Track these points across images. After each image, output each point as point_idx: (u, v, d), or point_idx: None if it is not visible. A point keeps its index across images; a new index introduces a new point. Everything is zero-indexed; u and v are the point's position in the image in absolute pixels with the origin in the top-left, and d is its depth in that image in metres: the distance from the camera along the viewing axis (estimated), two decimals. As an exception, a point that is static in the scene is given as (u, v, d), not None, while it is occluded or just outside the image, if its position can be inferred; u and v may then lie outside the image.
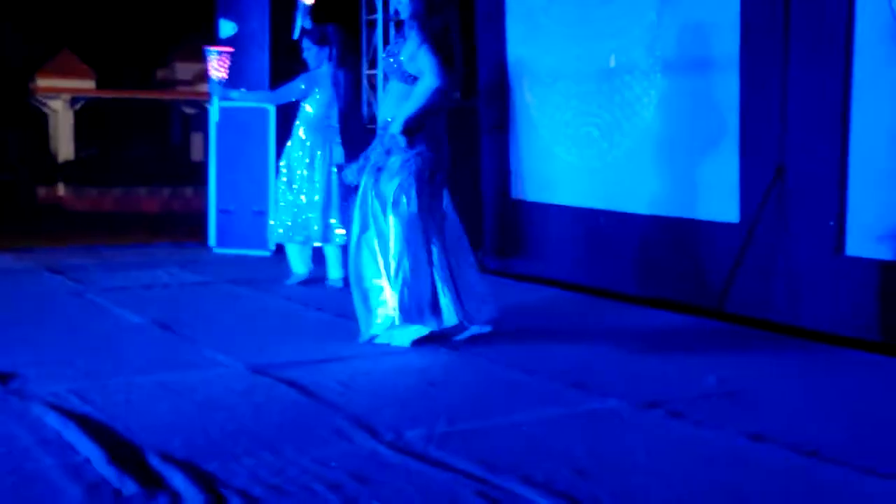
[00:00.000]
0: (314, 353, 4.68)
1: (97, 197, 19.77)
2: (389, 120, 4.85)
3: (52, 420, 3.54)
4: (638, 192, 6.76)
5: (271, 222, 6.83)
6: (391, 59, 4.90)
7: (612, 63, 6.88)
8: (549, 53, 7.40)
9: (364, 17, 9.08)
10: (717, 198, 6.20)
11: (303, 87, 6.65)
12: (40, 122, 21.16)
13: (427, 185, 4.88)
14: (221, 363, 4.47)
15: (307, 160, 6.62)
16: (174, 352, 4.73)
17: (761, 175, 5.88)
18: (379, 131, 4.98)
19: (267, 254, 8.16)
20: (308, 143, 6.64)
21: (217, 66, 6.45)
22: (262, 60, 8.34)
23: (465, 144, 8.54)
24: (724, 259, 6.10)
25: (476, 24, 8.13)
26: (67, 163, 20.24)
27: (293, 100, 6.78)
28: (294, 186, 6.62)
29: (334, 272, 6.68)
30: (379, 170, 4.87)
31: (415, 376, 4.33)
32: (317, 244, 6.71)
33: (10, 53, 19.97)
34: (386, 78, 5.25)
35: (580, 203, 7.20)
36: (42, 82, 19.72)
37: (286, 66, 8.62)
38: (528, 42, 7.62)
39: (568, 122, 7.27)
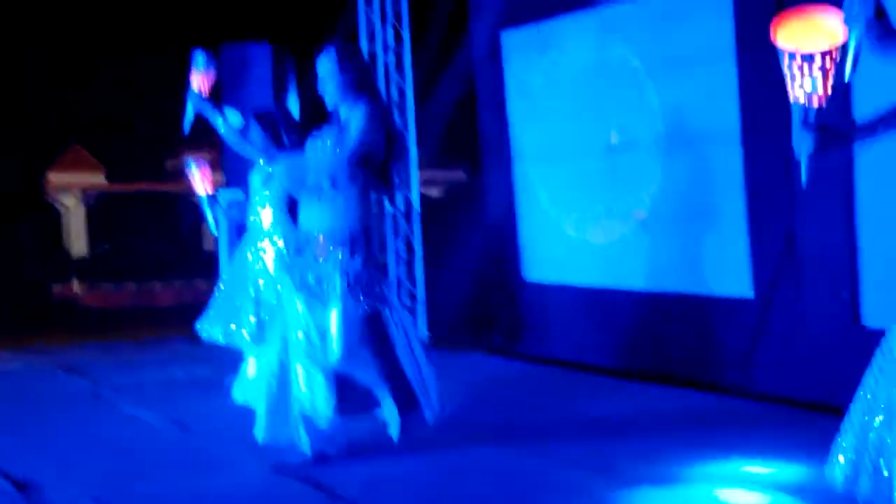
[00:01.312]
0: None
1: (112, 292, 19.84)
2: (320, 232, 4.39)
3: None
4: (647, 269, 6.76)
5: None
6: (321, 168, 4.39)
7: (614, 140, 6.94)
8: (550, 132, 7.47)
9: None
10: (728, 271, 6.18)
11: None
12: (53, 218, 21.32)
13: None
14: (241, 463, 4.44)
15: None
16: (193, 452, 4.71)
17: (771, 246, 5.87)
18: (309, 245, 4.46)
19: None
20: None
21: (201, 180, 6.13)
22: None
23: (471, 224, 8.61)
24: (742, 334, 6.05)
25: (477, 104, 8.24)
26: (81, 259, 20.32)
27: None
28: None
29: None
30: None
31: (434, 469, 4.27)
32: None
33: (20, 150, 20.21)
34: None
35: (590, 281, 7.20)
36: (53, 178, 19.91)
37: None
38: (529, 121, 7.70)
39: (573, 199, 7.31)
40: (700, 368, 6.28)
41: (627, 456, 4.36)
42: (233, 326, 5.97)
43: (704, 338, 6.35)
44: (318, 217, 4.40)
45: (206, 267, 16.73)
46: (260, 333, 5.88)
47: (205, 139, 7.00)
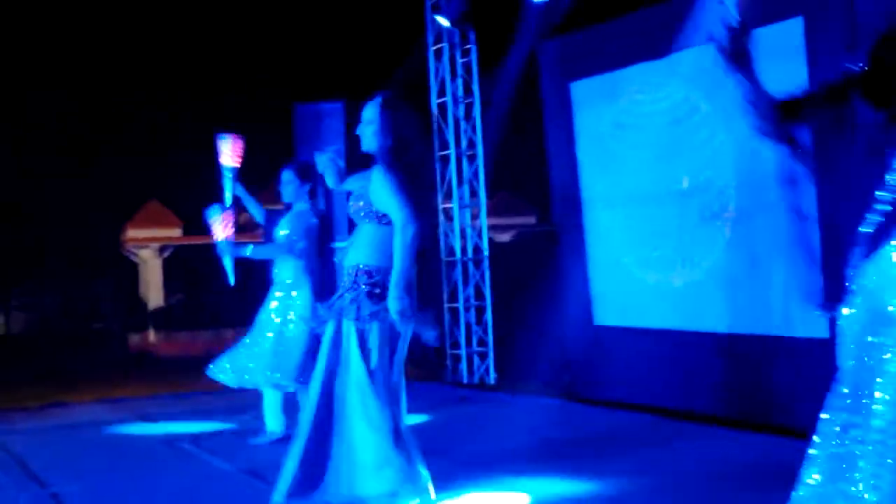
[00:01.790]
0: None
1: (186, 341, 20.16)
2: (361, 266, 4.35)
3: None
4: (721, 312, 6.68)
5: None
6: (360, 203, 4.40)
7: (686, 184, 6.89)
8: (621, 177, 7.45)
9: (438, 152, 9.27)
10: (805, 313, 6.08)
11: (297, 225, 6.23)
12: (130, 271, 21.79)
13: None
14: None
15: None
16: (264, 501, 4.71)
17: (846, 286, 5.76)
18: (347, 276, 4.41)
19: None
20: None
21: (221, 227, 6.17)
22: (341, 202, 8.49)
23: (544, 270, 8.59)
24: (819, 375, 5.94)
25: (547, 150, 8.26)
26: (157, 309, 20.73)
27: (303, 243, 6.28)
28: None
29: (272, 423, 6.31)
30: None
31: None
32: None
33: (101, 206, 20.73)
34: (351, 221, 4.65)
35: (665, 325, 7.13)
36: (132, 233, 20.39)
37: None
38: (599, 166, 7.68)
39: (645, 243, 7.26)
40: (775, 411, 6.19)
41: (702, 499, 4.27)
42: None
43: (780, 379, 6.25)
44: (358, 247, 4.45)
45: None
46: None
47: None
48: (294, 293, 6.20)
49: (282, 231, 6.26)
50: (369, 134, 4.39)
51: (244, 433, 6.49)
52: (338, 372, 4.30)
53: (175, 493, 5.02)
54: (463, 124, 9.09)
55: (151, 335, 20.53)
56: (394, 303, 4.20)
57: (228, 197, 6.34)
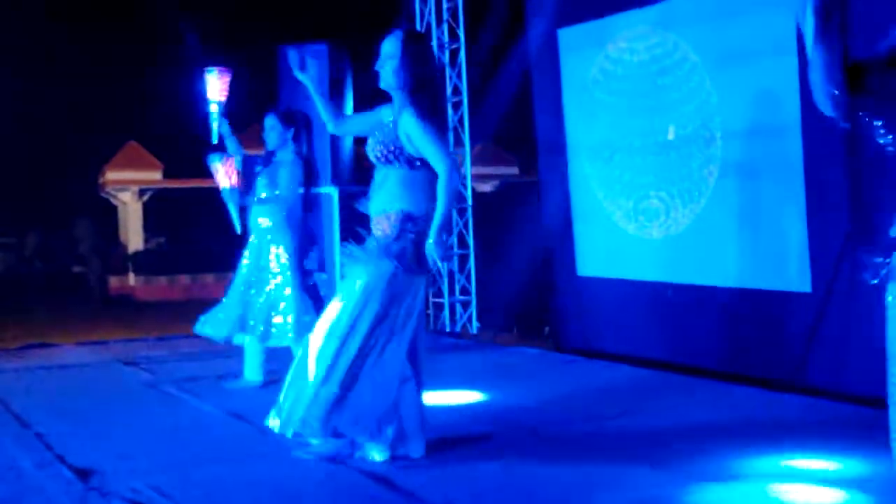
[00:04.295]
0: None
1: (167, 285, 20.10)
2: (404, 211, 4.25)
3: (133, 518, 3.58)
4: (705, 264, 6.71)
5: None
6: (389, 147, 4.26)
7: (671, 135, 6.88)
8: (606, 127, 7.43)
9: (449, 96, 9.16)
10: (787, 267, 6.13)
11: (287, 177, 6.14)
12: (110, 215, 21.63)
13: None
14: (293, 455, 4.46)
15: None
16: (250, 442, 4.75)
17: (831, 242, 5.80)
18: (388, 223, 4.27)
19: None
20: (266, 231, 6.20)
21: (225, 174, 6.13)
22: (323, 146, 8.42)
23: (530, 221, 8.59)
24: (798, 330, 6.01)
25: (533, 101, 8.22)
26: (137, 253, 20.64)
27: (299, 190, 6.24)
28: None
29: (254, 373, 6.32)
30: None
31: (500, 461, 4.27)
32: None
33: (79, 148, 20.55)
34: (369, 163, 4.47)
35: (647, 277, 7.16)
36: (111, 175, 20.21)
37: (348, 151, 8.79)
38: (585, 117, 7.66)
39: (630, 195, 7.26)
40: (755, 364, 6.25)
41: (682, 452, 4.32)
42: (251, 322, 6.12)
43: (760, 332, 6.31)
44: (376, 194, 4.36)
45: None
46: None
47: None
48: (275, 246, 6.16)
49: (263, 181, 6.15)
50: (389, 69, 4.24)
51: (228, 378, 6.49)
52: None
53: (161, 432, 5.04)
54: (448, 70, 9.03)
55: (131, 279, 20.44)
56: (435, 249, 4.15)
57: (214, 133, 6.29)
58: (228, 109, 6.48)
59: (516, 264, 9.26)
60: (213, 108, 6.28)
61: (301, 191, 6.19)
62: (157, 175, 20.48)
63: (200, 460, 4.41)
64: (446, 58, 9.06)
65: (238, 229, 6.33)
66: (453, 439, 4.60)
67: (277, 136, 6.21)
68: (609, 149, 7.41)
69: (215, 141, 6.31)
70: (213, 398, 5.86)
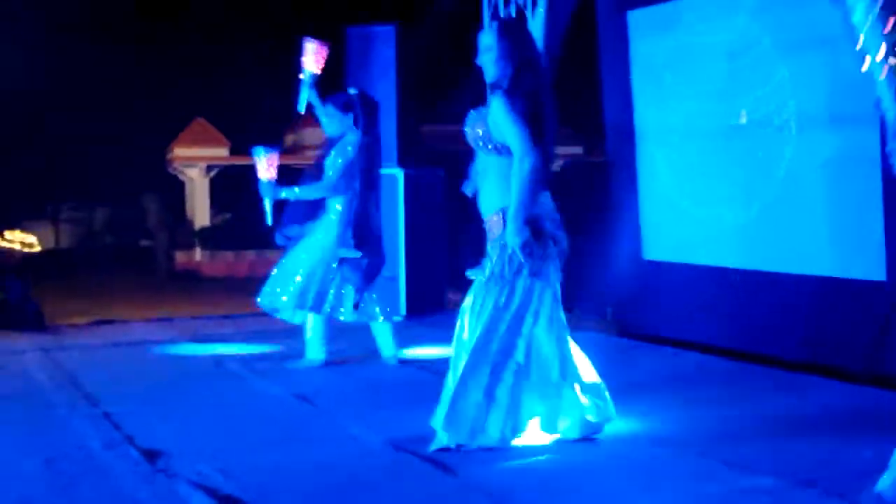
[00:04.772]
0: None
1: (232, 261, 20.31)
2: (498, 209, 4.22)
3: (199, 501, 3.60)
4: (776, 251, 6.59)
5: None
6: (478, 130, 4.25)
7: (743, 119, 6.75)
8: (676, 111, 7.31)
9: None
10: (862, 255, 5.99)
11: (340, 161, 6.17)
12: (177, 190, 21.87)
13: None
14: (361, 438, 4.48)
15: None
16: (313, 426, 4.77)
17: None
18: (487, 225, 4.31)
19: (398, 319, 8.11)
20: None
21: (266, 167, 6.15)
22: (389, 131, 8.41)
23: (595, 202, 8.50)
24: (872, 319, 5.87)
25: (601, 82, 8.12)
26: (203, 229, 20.87)
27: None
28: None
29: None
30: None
31: (554, 458, 4.22)
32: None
33: (148, 124, 20.81)
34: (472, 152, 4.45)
35: (716, 262, 7.05)
36: (178, 151, 20.43)
37: (412, 137, 8.77)
38: (654, 100, 7.55)
39: (700, 180, 7.15)
40: (827, 353, 6.13)
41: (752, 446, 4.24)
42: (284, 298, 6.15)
43: (833, 321, 6.18)
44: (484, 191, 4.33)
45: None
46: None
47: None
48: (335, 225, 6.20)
49: (339, 160, 6.19)
50: (489, 62, 4.22)
51: (291, 357, 6.53)
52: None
53: (226, 413, 5.10)
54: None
55: (197, 254, 20.70)
56: (513, 237, 4.12)
57: (303, 102, 6.36)
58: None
59: (580, 246, 9.16)
60: (305, 77, 6.35)
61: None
62: (224, 152, 20.66)
63: (265, 443, 4.44)
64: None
65: (270, 221, 6.33)
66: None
67: (338, 123, 6.25)
68: (679, 133, 7.30)
69: (302, 110, 6.41)
70: (277, 378, 5.90)
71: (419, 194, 8.57)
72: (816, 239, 6.30)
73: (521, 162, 4.11)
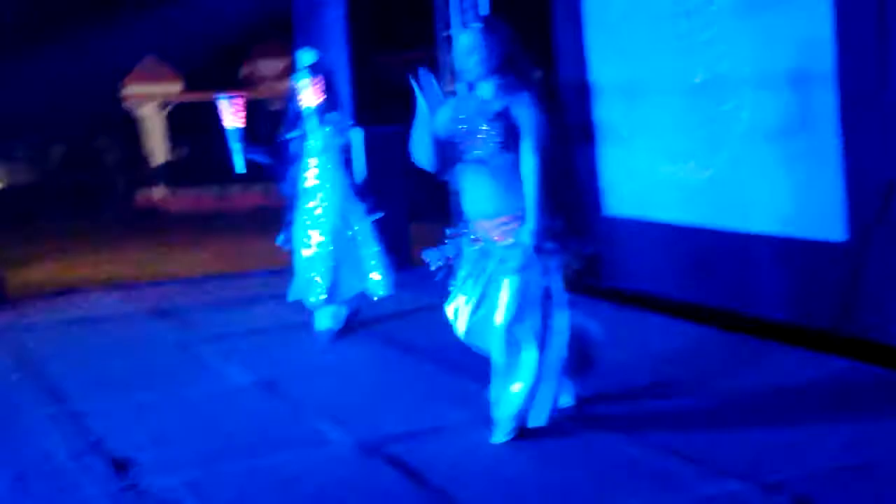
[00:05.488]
0: (423, 420, 4.63)
1: (193, 197, 20.14)
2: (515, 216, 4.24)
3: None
4: (735, 209, 6.61)
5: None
6: (502, 132, 4.15)
7: (699, 78, 6.71)
8: (632, 66, 7.26)
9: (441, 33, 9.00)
10: (822, 215, 6.02)
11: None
12: (133, 128, 21.57)
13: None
14: (329, 439, 4.50)
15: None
16: (280, 424, 4.78)
17: (868, 192, 5.69)
18: (496, 227, 4.26)
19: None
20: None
21: (232, 115, 6.05)
22: (343, 92, 8.29)
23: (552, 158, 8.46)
24: (834, 280, 5.93)
25: (554, 34, 8.02)
26: (162, 165, 20.64)
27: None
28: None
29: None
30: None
31: (525, 453, 4.26)
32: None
33: (100, 62, 20.39)
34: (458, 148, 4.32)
35: (676, 219, 7.08)
36: (132, 89, 20.08)
37: (366, 97, 8.66)
38: (609, 54, 7.48)
39: (658, 136, 7.14)
40: (788, 310, 6.21)
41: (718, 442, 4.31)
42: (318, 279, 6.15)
43: (792, 279, 6.24)
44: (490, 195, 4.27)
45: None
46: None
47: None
48: None
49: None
50: (474, 63, 4.18)
51: (256, 332, 6.54)
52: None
53: (194, 410, 5.09)
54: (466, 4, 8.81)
55: (157, 191, 20.50)
56: (532, 236, 4.18)
57: (240, 162, 6.16)
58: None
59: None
60: (231, 135, 6.12)
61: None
62: (177, 88, 20.34)
63: (234, 448, 4.44)
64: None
65: (240, 169, 6.29)
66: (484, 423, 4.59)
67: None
68: (635, 89, 7.26)
69: (242, 169, 6.23)
70: (242, 361, 5.89)
71: (378, 152, 8.50)
72: (776, 198, 6.33)
73: (537, 156, 4.13)
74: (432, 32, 9.03)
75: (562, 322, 4.36)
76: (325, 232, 6.29)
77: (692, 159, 6.87)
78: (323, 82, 6.20)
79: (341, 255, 6.28)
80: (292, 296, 6.48)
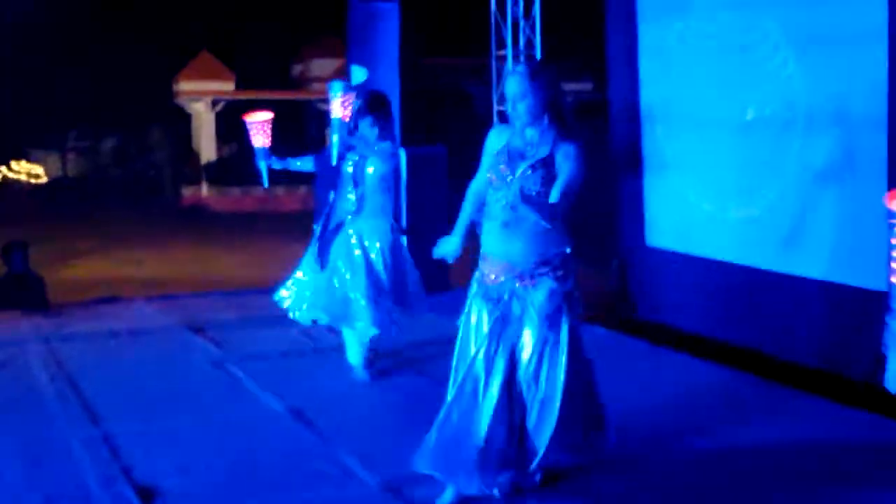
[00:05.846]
0: None
1: (239, 196, 20.29)
2: (554, 253, 4.16)
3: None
4: (778, 250, 6.53)
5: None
6: (543, 178, 4.05)
7: (750, 115, 6.63)
8: (684, 97, 7.19)
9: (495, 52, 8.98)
10: (864, 262, 5.92)
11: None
12: (184, 123, 21.78)
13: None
14: (355, 476, 4.49)
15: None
16: (307, 457, 4.76)
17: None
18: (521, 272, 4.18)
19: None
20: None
21: (261, 135, 6.11)
22: (392, 110, 8.30)
23: (597, 185, 8.41)
24: (872, 330, 5.82)
25: (607, 61, 7.97)
26: (210, 163, 20.82)
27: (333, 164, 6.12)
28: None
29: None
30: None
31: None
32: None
33: (153, 57, 20.60)
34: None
35: (717, 255, 7.01)
36: (184, 85, 20.27)
37: (415, 112, 8.65)
38: (661, 83, 7.41)
39: (705, 171, 7.06)
40: (826, 358, 6.11)
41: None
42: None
43: (831, 327, 6.15)
44: (517, 240, 4.19)
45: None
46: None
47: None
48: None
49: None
50: (523, 109, 4.10)
51: (292, 355, 6.54)
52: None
53: (223, 435, 5.11)
54: (522, 22, 8.77)
55: (205, 189, 20.68)
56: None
57: (265, 177, 6.24)
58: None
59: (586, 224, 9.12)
60: (259, 152, 6.18)
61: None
62: (229, 85, 20.49)
63: (258, 484, 4.43)
64: (520, 10, 8.77)
65: (266, 184, 6.39)
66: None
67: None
68: (686, 120, 7.19)
69: (267, 184, 6.35)
70: (277, 385, 5.90)
71: (421, 172, 8.49)
72: (819, 241, 6.24)
73: (562, 199, 4.02)
74: (487, 42, 9.00)
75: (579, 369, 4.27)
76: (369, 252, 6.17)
77: (738, 196, 6.78)
78: (360, 99, 6.13)
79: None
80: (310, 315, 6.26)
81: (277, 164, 6.26)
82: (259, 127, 6.16)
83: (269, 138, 6.18)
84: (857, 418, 5.28)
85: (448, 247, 4.32)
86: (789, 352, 6.35)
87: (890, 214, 2.54)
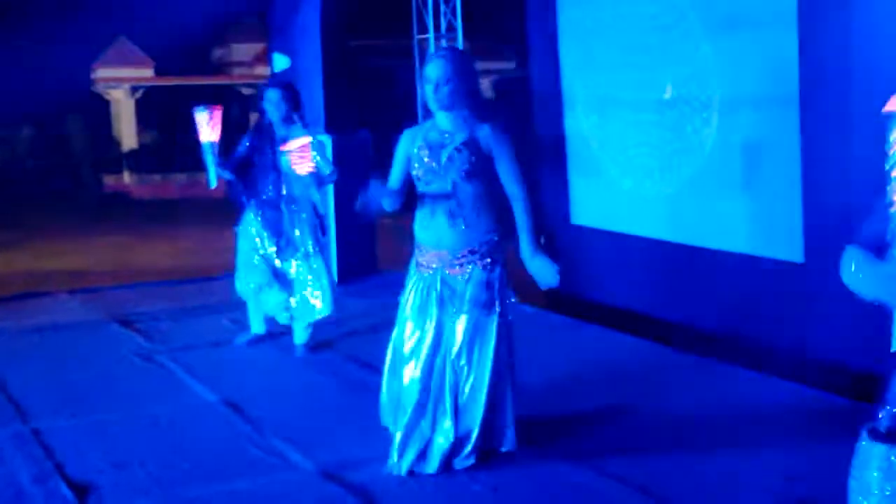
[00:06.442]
0: (384, 445, 4.58)
1: (161, 184, 20.03)
2: (484, 241, 4.28)
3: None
4: (695, 224, 6.69)
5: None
6: (467, 160, 4.19)
7: (668, 94, 6.77)
8: (604, 77, 7.31)
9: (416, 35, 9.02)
10: (780, 236, 6.10)
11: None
12: (102, 111, 21.39)
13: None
14: (291, 464, 4.53)
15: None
16: (243, 447, 4.78)
17: (826, 214, 5.76)
18: (452, 258, 4.30)
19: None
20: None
21: (208, 129, 5.93)
22: (316, 96, 8.30)
23: (522, 164, 8.51)
24: (790, 301, 6.02)
25: (528, 43, 8.06)
26: (132, 151, 20.52)
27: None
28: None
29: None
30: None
31: (479, 483, 4.29)
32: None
33: (69, 44, 20.20)
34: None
35: (639, 232, 7.16)
36: (102, 72, 19.91)
37: (338, 101, 8.64)
38: (582, 64, 7.52)
39: (625, 150, 7.20)
40: (743, 327, 6.29)
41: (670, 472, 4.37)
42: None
43: (752, 298, 6.32)
44: (449, 227, 4.29)
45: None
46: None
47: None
48: None
49: None
50: (445, 93, 4.21)
51: (221, 344, 6.54)
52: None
53: (155, 428, 5.09)
54: (443, 7, 8.81)
55: (126, 176, 20.37)
56: (550, 267, 4.26)
57: (213, 176, 6.12)
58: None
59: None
60: (206, 148, 6.02)
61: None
62: (148, 72, 20.19)
63: (194, 474, 4.45)
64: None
65: (213, 183, 6.24)
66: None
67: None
68: (605, 100, 7.31)
69: (214, 185, 6.20)
70: (208, 376, 5.90)
71: (347, 158, 8.49)
72: (737, 216, 6.41)
73: (523, 183, 4.28)
74: (409, 24, 9.03)
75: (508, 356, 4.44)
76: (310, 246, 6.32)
77: (657, 173, 6.93)
78: (289, 96, 6.18)
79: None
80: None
81: (227, 174, 6.21)
82: (208, 120, 5.97)
83: (219, 133, 6.00)
84: (776, 385, 5.47)
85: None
86: (708, 323, 6.52)
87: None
